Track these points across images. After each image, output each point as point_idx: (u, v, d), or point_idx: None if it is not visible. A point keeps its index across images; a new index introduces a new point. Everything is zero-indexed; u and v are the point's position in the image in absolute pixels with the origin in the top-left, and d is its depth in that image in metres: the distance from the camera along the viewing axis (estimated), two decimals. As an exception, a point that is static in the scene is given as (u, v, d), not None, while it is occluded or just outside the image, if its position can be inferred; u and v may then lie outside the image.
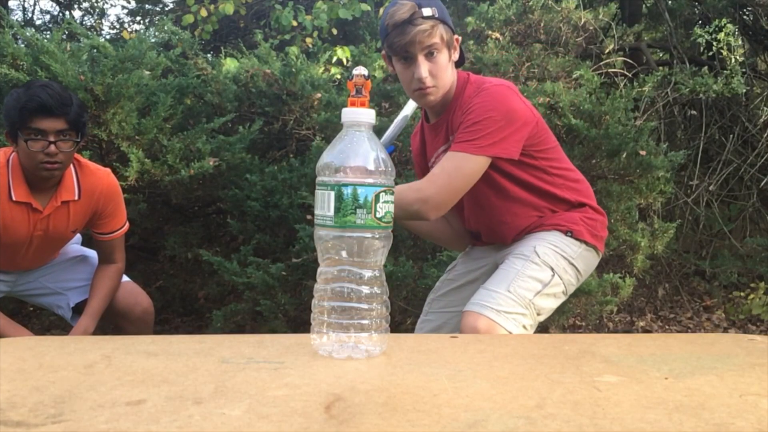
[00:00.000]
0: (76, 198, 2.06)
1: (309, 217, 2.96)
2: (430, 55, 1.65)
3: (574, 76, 3.73)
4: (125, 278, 2.29)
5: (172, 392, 0.74)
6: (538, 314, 1.64)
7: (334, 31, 4.86)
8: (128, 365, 0.85)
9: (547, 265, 1.67)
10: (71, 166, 2.05)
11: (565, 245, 1.72)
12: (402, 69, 1.69)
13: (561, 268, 1.69)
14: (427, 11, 1.62)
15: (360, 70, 0.97)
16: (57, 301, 2.28)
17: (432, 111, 1.80)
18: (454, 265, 1.99)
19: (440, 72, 1.67)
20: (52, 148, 1.90)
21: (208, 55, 4.56)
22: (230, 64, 3.62)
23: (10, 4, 7.86)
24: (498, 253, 1.82)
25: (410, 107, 2.03)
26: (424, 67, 1.64)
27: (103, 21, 8.59)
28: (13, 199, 1.97)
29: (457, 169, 1.62)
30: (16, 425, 0.64)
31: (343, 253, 0.92)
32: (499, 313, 1.56)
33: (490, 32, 4.08)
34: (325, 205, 0.91)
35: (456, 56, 1.73)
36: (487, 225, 1.83)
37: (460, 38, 1.75)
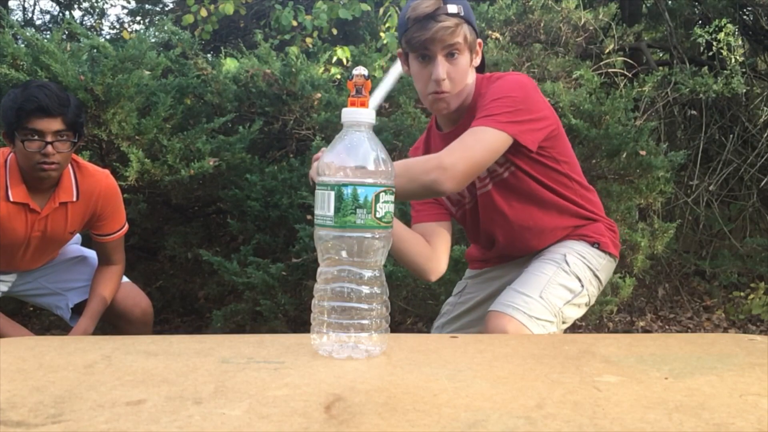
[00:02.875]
0: (75, 199, 2.06)
1: (309, 217, 2.96)
2: (450, 56, 1.53)
3: (574, 76, 3.74)
4: (125, 279, 2.29)
5: (172, 392, 0.74)
6: (563, 323, 1.61)
7: (334, 31, 4.86)
8: (128, 365, 0.85)
9: (575, 276, 1.63)
10: (69, 167, 2.05)
11: (591, 257, 1.68)
12: (418, 68, 1.57)
13: (587, 279, 1.64)
14: (452, 8, 1.50)
15: (360, 70, 0.96)
16: (56, 301, 2.27)
17: (446, 119, 1.67)
18: (464, 288, 1.90)
19: (459, 76, 1.55)
20: (49, 148, 1.90)
21: (208, 55, 4.56)
22: (230, 64, 3.62)
23: (10, 4, 7.86)
24: (519, 269, 1.72)
25: (398, 67, 1.73)
26: (442, 68, 1.52)
27: (103, 21, 8.60)
28: (11, 199, 1.97)
29: (478, 141, 1.48)
30: (16, 425, 0.64)
31: (343, 253, 0.92)
32: (530, 318, 1.52)
33: (490, 32, 4.08)
34: (325, 205, 0.91)
35: (477, 61, 1.61)
36: (508, 233, 1.72)
37: (482, 42, 1.63)
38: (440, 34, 1.49)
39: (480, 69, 1.65)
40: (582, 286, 1.63)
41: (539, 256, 1.69)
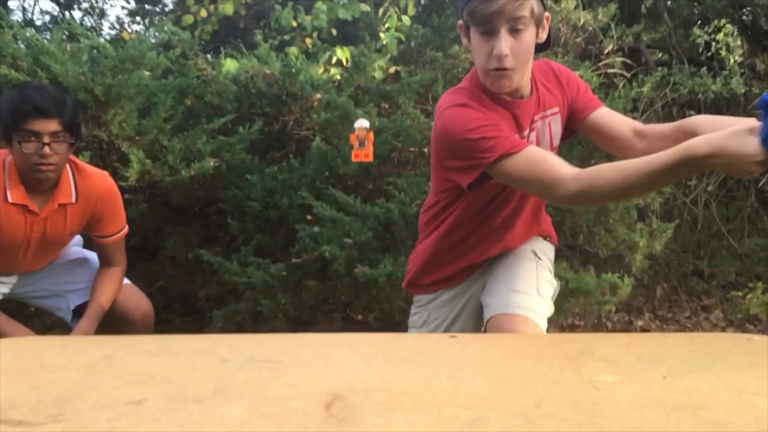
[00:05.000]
0: (73, 201, 2.06)
1: (309, 217, 2.96)
2: (514, 31, 1.42)
3: (574, 76, 3.73)
4: (126, 281, 2.29)
5: (172, 391, 0.74)
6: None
7: (334, 32, 4.85)
8: (129, 365, 0.85)
9: (548, 270, 1.67)
10: (68, 168, 2.05)
11: (549, 250, 1.72)
12: (480, 42, 1.45)
13: (553, 273, 1.69)
14: None
15: (362, 123, 0.95)
16: (57, 303, 2.27)
17: (506, 93, 1.54)
18: (427, 316, 1.78)
19: (523, 52, 1.44)
20: (46, 149, 1.90)
21: (208, 56, 4.55)
22: (230, 65, 3.62)
23: (10, 4, 7.86)
24: (481, 279, 1.69)
25: None
26: (505, 43, 1.41)
27: (103, 21, 8.57)
28: (10, 200, 1.97)
29: None
30: (17, 425, 0.64)
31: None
32: (539, 315, 1.52)
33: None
34: None
35: (543, 36, 1.50)
36: (514, 226, 1.66)
37: (550, 16, 1.52)
38: (506, 6, 1.39)
39: (545, 45, 1.54)
40: (557, 280, 1.67)
41: (508, 255, 1.66)
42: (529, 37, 1.44)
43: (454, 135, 1.46)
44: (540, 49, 1.53)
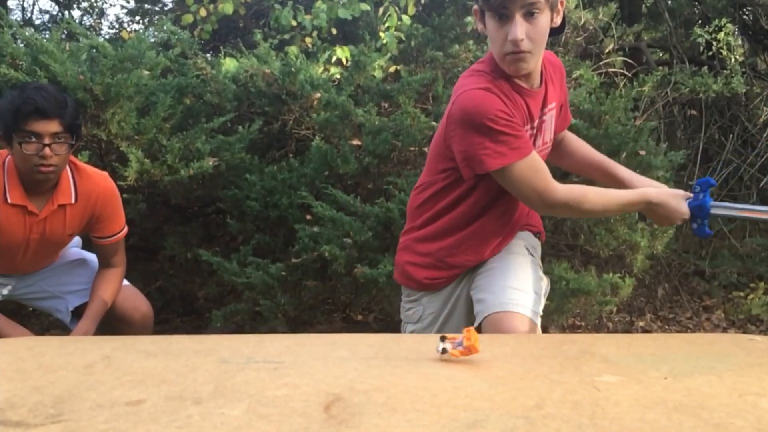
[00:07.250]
0: (73, 201, 2.05)
1: (309, 217, 2.96)
2: (529, 15, 1.43)
3: (574, 75, 3.73)
4: (125, 282, 2.28)
5: (171, 392, 0.74)
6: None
7: (334, 31, 4.86)
8: (128, 365, 0.85)
9: (539, 266, 1.67)
10: (68, 169, 2.04)
11: (538, 247, 1.72)
12: (495, 28, 1.46)
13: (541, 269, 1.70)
14: None
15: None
16: (56, 304, 2.26)
17: (522, 78, 1.55)
18: (422, 312, 1.72)
19: (538, 36, 1.46)
20: (47, 150, 1.89)
21: (208, 55, 4.56)
22: (229, 64, 3.62)
23: (9, 3, 7.85)
24: (474, 269, 1.66)
25: None
26: (520, 28, 1.42)
27: (103, 21, 8.58)
28: (9, 201, 1.96)
29: None
30: (15, 425, 0.64)
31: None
32: (536, 315, 1.54)
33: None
34: None
35: (558, 21, 1.51)
36: (506, 229, 1.66)
37: (564, 1, 1.53)
38: None
39: (560, 29, 1.55)
40: (546, 277, 1.69)
41: (506, 249, 1.65)
42: (544, 20, 1.46)
43: (474, 117, 1.46)
44: (555, 32, 1.54)
